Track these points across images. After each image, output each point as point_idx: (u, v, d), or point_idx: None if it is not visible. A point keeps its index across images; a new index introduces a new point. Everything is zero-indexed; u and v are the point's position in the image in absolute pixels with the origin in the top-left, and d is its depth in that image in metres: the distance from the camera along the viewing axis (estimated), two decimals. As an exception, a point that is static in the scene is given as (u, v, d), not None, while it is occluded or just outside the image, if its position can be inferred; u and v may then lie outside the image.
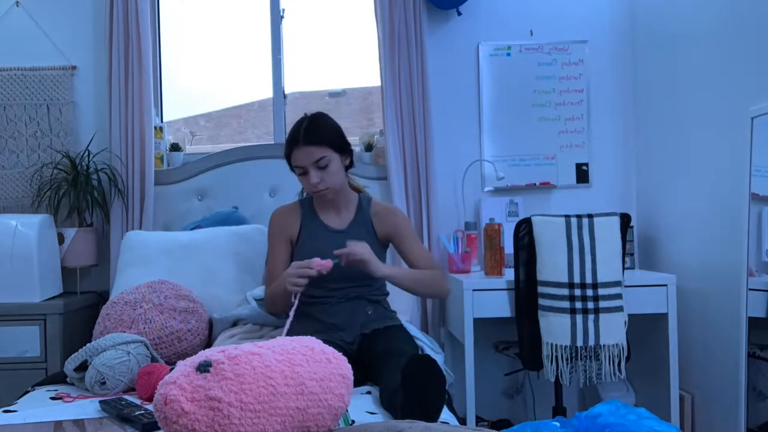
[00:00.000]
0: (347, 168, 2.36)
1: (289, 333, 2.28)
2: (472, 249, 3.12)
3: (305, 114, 2.32)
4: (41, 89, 3.25)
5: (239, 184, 3.21)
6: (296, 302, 2.15)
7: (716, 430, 2.71)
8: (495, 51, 3.34)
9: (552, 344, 2.59)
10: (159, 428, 1.41)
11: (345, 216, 2.39)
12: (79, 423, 1.70)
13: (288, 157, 2.30)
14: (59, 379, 2.16)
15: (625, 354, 2.60)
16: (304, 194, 2.49)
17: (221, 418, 1.19)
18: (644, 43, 3.26)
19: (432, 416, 1.62)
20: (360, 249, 2.17)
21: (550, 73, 3.33)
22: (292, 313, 2.12)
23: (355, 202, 2.42)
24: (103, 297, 3.07)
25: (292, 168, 2.32)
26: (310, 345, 1.39)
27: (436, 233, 3.19)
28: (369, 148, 3.33)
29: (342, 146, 2.30)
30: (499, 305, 2.74)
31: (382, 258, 2.41)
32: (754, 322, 2.41)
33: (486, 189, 3.33)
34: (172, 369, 1.31)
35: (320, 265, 2.11)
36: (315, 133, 2.24)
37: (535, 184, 3.32)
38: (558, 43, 3.33)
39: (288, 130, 3.38)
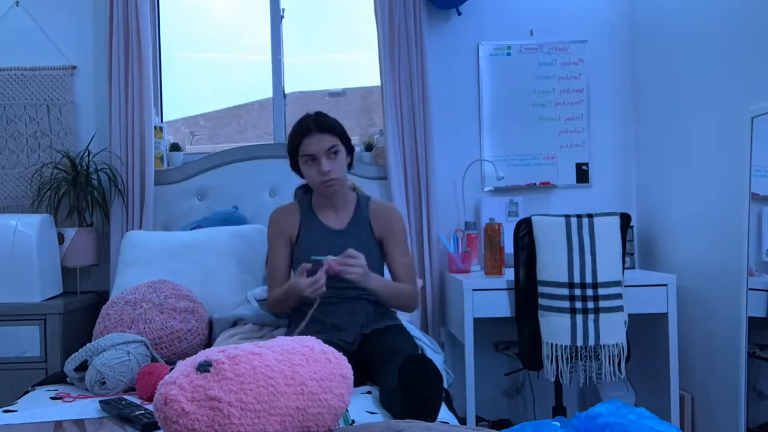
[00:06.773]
0: (348, 168, 2.37)
1: (290, 333, 2.29)
2: (472, 249, 3.12)
3: (307, 112, 2.35)
4: (41, 89, 3.25)
5: (239, 184, 3.21)
6: (316, 305, 2.17)
7: (716, 430, 2.71)
8: (495, 51, 3.34)
9: (552, 344, 2.59)
10: (159, 428, 1.41)
11: (343, 216, 2.40)
12: (79, 423, 1.70)
13: (296, 148, 2.31)
14: (59, 379, 2.16)
15: (625, 354, 2.60)
16: (298, 193, 2.50)
17: (221, 418, 1.19)
18: (644, 43, 3.26)
19: (430, 415, 1.62)
20: (359, 264, 2.16)
21: (550, 73, 3.33)
22: (309, 316, 2.16)
23: (353, 201, 2.43)
24: (103, 297, 3.07)
25: (294, 163, 2.33)
26: (310, 345, 1.39)
27: (436, 233, 3.19)
28: (369, 148, 3.33)
29: (348, 142, 2.35)
30: (499, 305, 2.74)
31: (380, 258, 2.41)
32: (754, 322, 2.41)
33: (486, 189, 3.33)
34: (172, 369, 1.31)
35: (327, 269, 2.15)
36: (326, 123, 2.30)
37: (535, 184, 3.32)
38: (558, 43, 3.33)
39: (288, 130, 3.41)
